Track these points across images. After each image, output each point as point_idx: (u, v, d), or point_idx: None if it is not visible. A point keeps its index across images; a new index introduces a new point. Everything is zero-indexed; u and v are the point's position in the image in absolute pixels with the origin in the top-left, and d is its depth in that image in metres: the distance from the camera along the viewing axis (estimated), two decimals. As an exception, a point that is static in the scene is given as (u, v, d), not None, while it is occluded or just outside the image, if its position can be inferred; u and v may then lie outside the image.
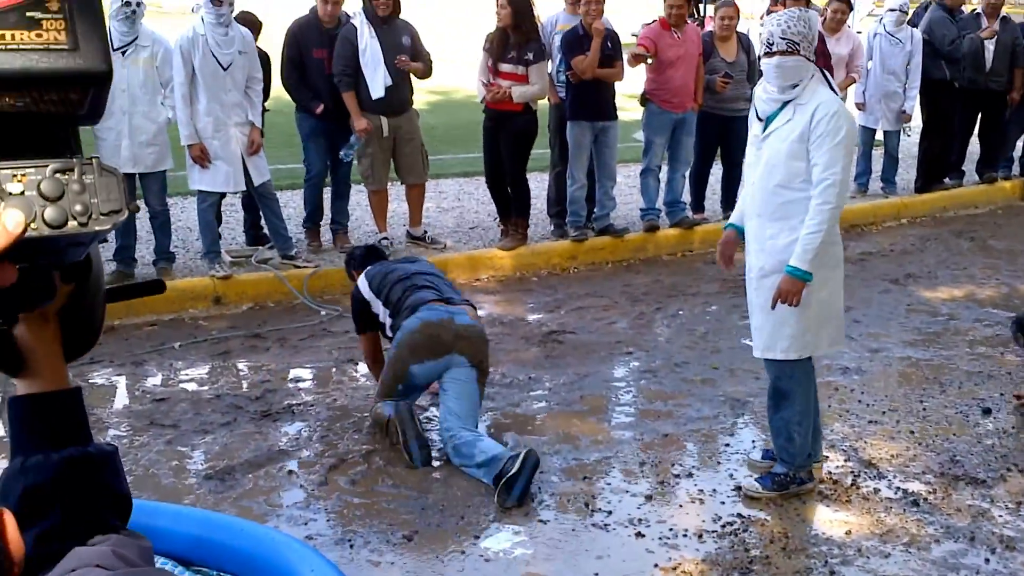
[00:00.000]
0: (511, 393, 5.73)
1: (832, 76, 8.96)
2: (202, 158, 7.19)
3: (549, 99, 8.52)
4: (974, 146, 11.00)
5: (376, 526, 4.29)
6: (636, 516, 4.39)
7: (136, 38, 7.02)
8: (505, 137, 7.98)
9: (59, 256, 0.97)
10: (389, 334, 5.14)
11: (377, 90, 7.65)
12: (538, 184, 9.08)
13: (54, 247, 0.93)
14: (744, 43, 9.02)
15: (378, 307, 5.18)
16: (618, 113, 8.28)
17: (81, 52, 0.91)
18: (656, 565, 4.02)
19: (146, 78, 7.09)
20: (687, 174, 8.93)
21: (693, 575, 3.96)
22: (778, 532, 4.27)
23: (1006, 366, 6.17)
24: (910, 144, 10.99)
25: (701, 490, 4.64)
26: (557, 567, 4.02)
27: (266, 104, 7.67)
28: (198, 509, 4.39)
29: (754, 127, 4.48)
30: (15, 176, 0.90)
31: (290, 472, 4.77)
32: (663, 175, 8.78)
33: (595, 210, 8.51)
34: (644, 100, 8.61)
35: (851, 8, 10.32)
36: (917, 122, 10.64)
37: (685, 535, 4.23)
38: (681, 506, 4.50)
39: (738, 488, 4.63)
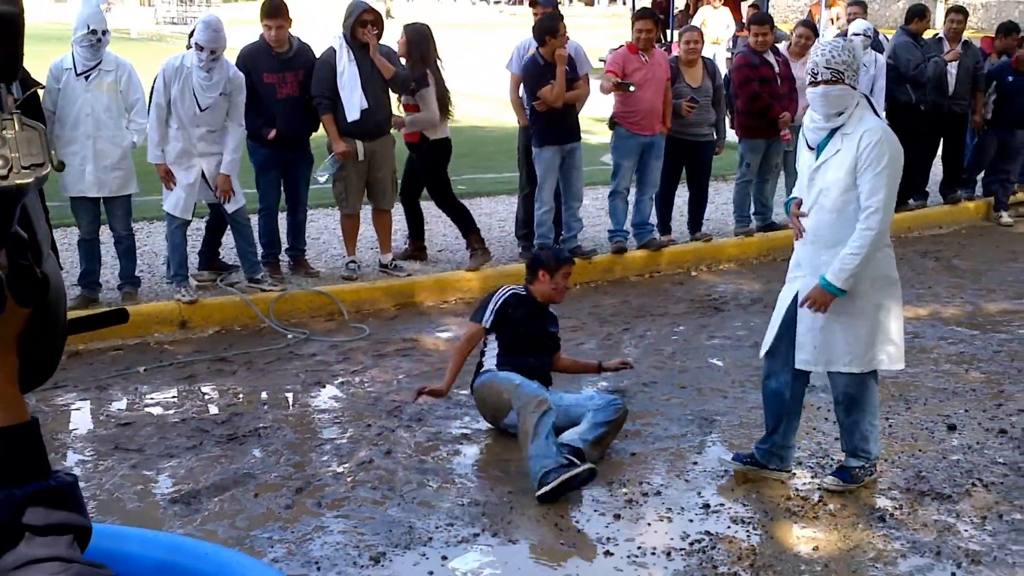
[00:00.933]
0: (478, 415, 5.70)
1: (797, 99, 9.12)
2: (167, 179, 7.16)
3: (518, 121, 8.58)
4: (937, 167, 11.14)
5: (343, 548, 4.25)
6: (605, 535, 4.38)
7: (100, 62, 6.99)
8: (421, 166, 8.27)
9: None
10: (488, 350, 5.49)
11: (352, 113, 7.67)
12: (506, 207, 9.10)
13: None
14: (709, 68, 9.10)
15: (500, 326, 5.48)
16: (586, 136, 8.33)
17: None
18: (625, 583, 4.01)
19: (110, 102, 7.05)
20: (654, 196, 8.97)
21: (662, 593, 3.95)
22: (746, 549, 4.27)
23: (970, 383, 6.23)
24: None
25: (669, 508, 4.64)
26: (525, 587, 4.00)
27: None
28: (164, 533, 4.34)
29: (804, 156, 4.68)
30: None
31: (256, 495, 4.72)
32: (631, 197, 8.82)
33: (562, 232, 8.54)
34: (612, 124, 8.66)
35: (816, 34, 10.43)
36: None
37: (654, 553, 4.23)
38: (650, 524, 4.49)
39: (707, 506, 4.64)
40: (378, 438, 5.37)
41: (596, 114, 12.02)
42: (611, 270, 8.73)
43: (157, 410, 5.79)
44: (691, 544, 4.31)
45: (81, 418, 5.79)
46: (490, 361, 5.46)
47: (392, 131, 8.17)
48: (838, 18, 15.56)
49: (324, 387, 6.16)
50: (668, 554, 4.22)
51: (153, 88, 7.20)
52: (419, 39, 8.10)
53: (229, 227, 7.65)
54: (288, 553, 4.22)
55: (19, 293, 1.06)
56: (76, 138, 6.94)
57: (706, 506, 4.65)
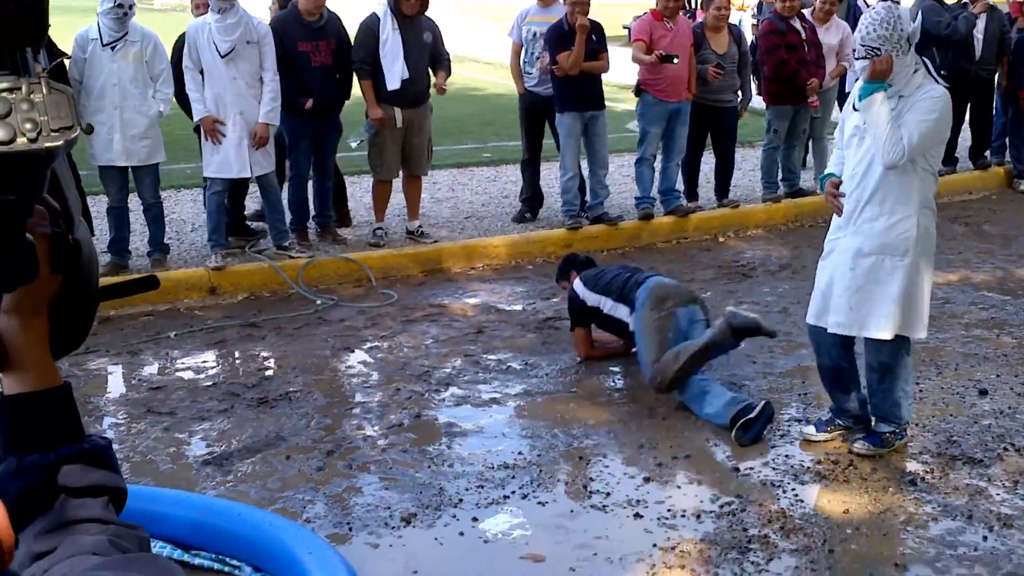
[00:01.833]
0: (508, 379, 5.72)
1: (824, 65, 9.04)
2: (214, 132, 7.17)
3: (517, 89, 8.65)
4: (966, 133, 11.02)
5: (374, 510, 4.28)
6: (634, 497, 4.39)
7: (126, 33, 7.01)
8: None
9: (14, 182, 0.95)
10: (620, 315, 5.66)
11: (393, 82, 7.68)
12: (549, 173, 9.14)
13: (8, 168, 0.92)
14: (735, 34, 9.02)
15: (599, 301, 5.75)
16: (611, 103, 8.30)
17: None
18: (655, 545, 4.02)
19: (136, 72, 7.08)
20: (680, 163, 8.93)
21: (691, 554, 3.96)
22: (776, 512, 4.27)
23: (1002, 348, 6.18)
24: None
25: (699, 471, 4.64)
26: (556, 548, 4.02)
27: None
28: (197, 495, 4.40)
29: (852, 118, 4.62)
30: None
31: (287, 457, 4.76)
32: (657, 164, 8.79)
33: (588, 199, 8.52)
34: (639, 91, 8.61)
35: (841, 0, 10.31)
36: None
37: (683, 515, 4.24)
38: (679, 487, 4.50)
39: (736, 469, 4.64)
40: (408, 402, 5.40)
41: (621, 81, 11.96)
42: (638, 236, 8.71)
43: (188, 374, 5.84)
44: (721, 507, 4.31)
45: (114, 382, 5.84)
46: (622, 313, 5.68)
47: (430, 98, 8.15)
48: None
49: (353, 352, 6.18)
50: (698, 516, 4.23)
51: (181, 56, 7.23)
52: None
53: (258, 193, 7.69)
54: (320, 515, 4.25)
55: (52, 260, 1.06)
56: (103, 108, 6.98)
57: (736, 469, 4.65)
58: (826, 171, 4.94)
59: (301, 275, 7.32)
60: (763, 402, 4.98)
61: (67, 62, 6.53)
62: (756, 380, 5.71)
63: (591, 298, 5.80)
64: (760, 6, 15.90)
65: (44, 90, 0.92)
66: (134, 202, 7.46)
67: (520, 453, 4.82)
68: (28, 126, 0.90)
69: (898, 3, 6.18)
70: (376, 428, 5.08)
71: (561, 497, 4.43)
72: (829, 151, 8.21)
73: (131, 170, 7.23)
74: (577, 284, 5.92)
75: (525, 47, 8.57)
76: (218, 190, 7.31)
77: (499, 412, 5.34)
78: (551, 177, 9.10)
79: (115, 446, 1.37)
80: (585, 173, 8.55)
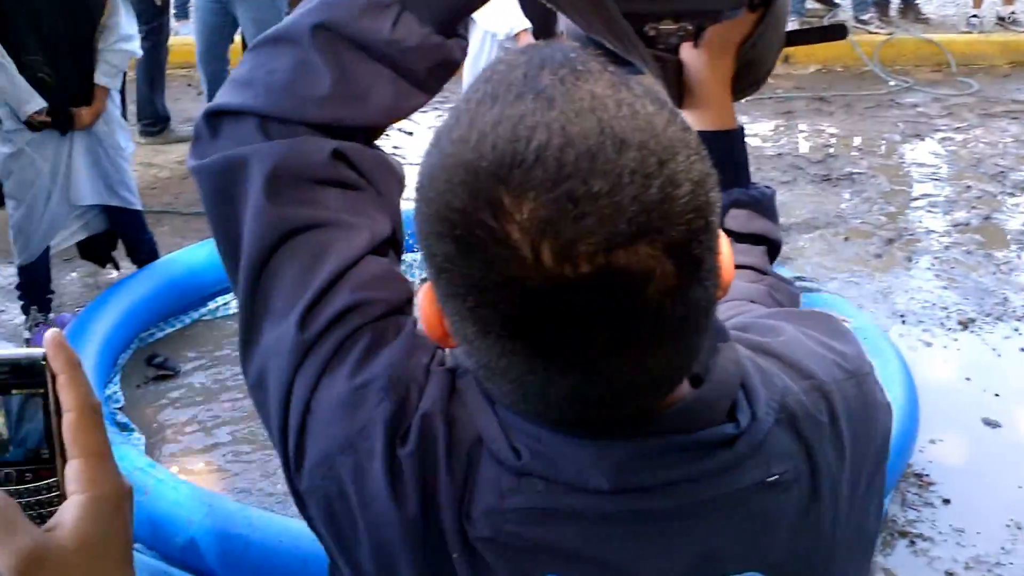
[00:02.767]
0: None
1: None
2: None
3: None
4: None
5: (931, 308, 4.19)
6: None
7: None
8: None
9: None
10: None
11: None
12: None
13: None
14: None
15: None
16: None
17: None
18: None
19: None
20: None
21: None
22: None
23: None
24: None
25: None
26: None
27: None
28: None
29: None
30: None
31: (846, 238, 4.76)
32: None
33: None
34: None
35: None
36: None
37: None
38: None
39: None
40: (978, 201, 5.14)
41: None
42: None
43: (755, 141, 5.96)
44: None
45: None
46: None
47: None
48: None
49: (923, 140, 5.94)
50: None
51: None
52: None
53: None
54: (874, 300, 4.26)
55: None
56: None
57: None
58: None
59: (877, 53, 7.05)
60: None
61: None
62: None
63: None
64: None
65: None
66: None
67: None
68: None
69: None
70: (941, 223, 4.91)
71: None
72: None
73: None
74: None
75: None
76: None
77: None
78: None
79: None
80: None
